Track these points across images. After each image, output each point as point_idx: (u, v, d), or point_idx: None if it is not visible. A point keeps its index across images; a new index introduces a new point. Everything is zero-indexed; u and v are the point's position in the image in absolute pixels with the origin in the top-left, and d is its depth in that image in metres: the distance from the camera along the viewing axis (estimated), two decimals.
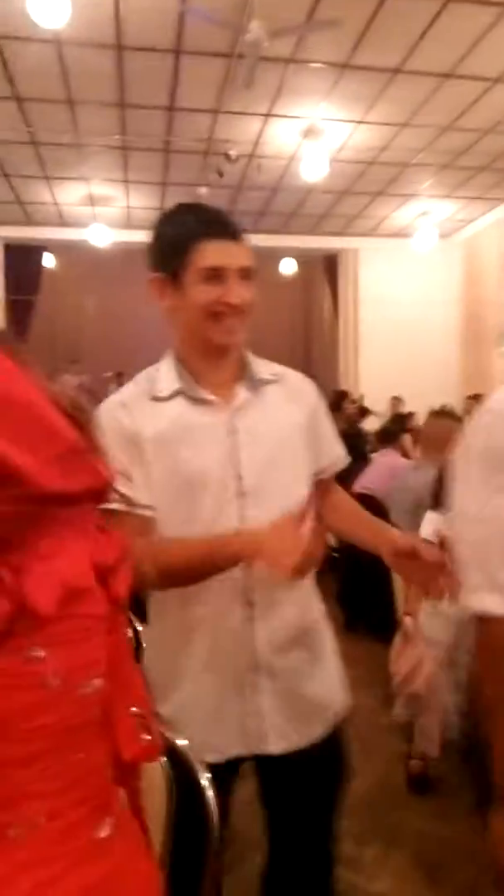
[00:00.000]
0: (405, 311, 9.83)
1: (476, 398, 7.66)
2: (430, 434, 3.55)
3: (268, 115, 6.19)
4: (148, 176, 7.61)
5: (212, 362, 1.24)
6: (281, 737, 1.23)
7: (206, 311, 1.17)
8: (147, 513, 1.16)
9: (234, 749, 1.22)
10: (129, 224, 9.08)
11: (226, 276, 1.17)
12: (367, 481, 4.09)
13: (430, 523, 2.23)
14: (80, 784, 0.62)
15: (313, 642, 1.30)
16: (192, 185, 7.68)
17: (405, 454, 4.66)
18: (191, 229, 1.19)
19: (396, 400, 8.69)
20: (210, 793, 0.97)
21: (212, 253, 1.16)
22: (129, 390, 1.25)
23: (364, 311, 10.12)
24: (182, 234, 1.19)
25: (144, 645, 1.36)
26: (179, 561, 1.13)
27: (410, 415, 6.91)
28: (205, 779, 0.97)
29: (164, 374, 1.24)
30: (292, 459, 1.27)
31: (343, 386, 10.43)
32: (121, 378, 10.08)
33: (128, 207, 8.63)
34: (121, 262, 10.20)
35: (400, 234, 9.65)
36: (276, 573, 1.07)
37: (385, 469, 4.10)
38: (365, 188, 8.11)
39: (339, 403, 7.53)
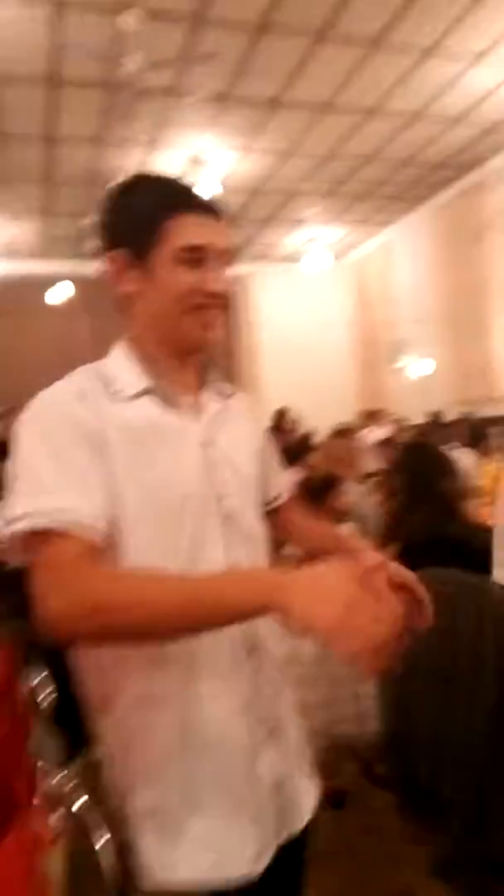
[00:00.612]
0: (302, 333, 10.03)
1: (371, 414, 7.92)
2: (332, 453, 3.60)
3: (151, 145, 6.14)
4: (27, 206, 7.35)
5: (180, 360, 1.01)
6: (307, 799, 1.04)
7: (183, 301, 0.95)
8: (96, 535, 0.84)
9: (270, 840, 0.96)
10: (12, 255, 8.73)
11: (207, 259, 0.95)
12: None
13: None
14: None
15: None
16: (77, 215, 7.49)
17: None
18: (166, 199, 0.96)
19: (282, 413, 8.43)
20: None
21: (192, 229, 0.94)
22: (82, 382, 0.96)
23: (261, 334, 10.24)
24: (155, 204, 0.95)
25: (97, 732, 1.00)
26: (159, 600, 0.76)
27: (309, 434, 7.00)
28: None
29: (122, 371, 0.98)
30: (255, 484, 1.08)
31: None
32: (14, 412, 9.60)
33: (10, 240, 8.30)
34: (6, 295, 9.82)
35: (291, 258, 9.86)
36: (342, 655, 0.68)
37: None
38: (253, 216, 8.23)
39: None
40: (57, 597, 0.77)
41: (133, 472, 0.90)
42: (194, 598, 0.76)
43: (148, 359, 1.00)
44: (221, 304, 0.98)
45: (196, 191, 0.99)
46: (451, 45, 4.92)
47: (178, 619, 0.77)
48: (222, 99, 5.40)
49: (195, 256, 0.95)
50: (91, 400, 0.93)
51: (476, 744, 1.53)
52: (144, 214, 0.95)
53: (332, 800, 2.31)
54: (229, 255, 1.00)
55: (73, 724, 1.09)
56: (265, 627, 0.97)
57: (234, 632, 0.91)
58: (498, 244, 7.27)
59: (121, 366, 1.00)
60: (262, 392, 10.16)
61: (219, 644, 0.92)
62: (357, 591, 0.69)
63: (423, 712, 1.65)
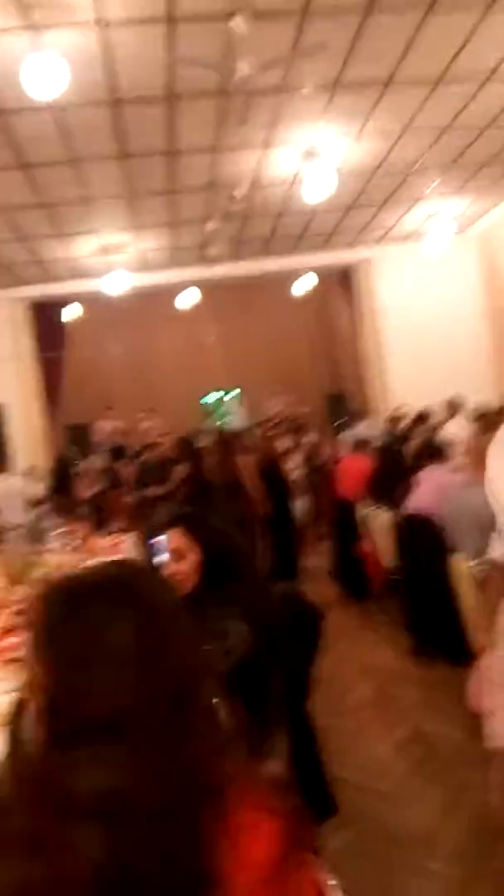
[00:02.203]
0: (427, 314, 9.74)
1: None
2: (481, 448, 3.43)
3: (266, 145, 6.27)
4: (156, 218, 7.77)
5: None
6: None
7: None
8: None
9: None
10: (144, 267, 9.27)
11: None
12: (417, 503, 3.88)
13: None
14: None
15: None
16: (200, 222, 7.82)
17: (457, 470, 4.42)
18: None
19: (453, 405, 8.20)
20: None
21: None
22: None
23: (385, 321, 10.07)
24: None
25: None
26: None
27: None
28: None
29: None
30: None
31: (372, 399, 10.37)
32: (152, 413, 10.22)
33: (141, 251, 8.81)
34: (139, 304, 10.45)
35: (411, 237, 9.61)
36: None
37: (435, 488, 3.83)
38: (370, 199, 8.12)
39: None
40: None
41: None
42: None
43: None
44: None
45: None
46: None
47: None
48: (333, 87, 5.41)
49: None
50: None
51: None
52: None
53: None
54: None
55: None
56: None
57: None
58: None
59: None
60: (389, 383, 10.01)
61: None
62: None
63: None
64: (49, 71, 4.19)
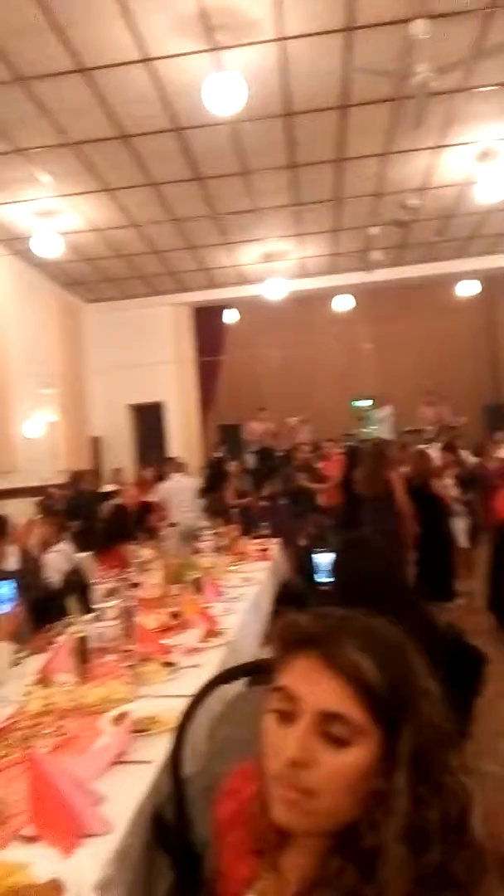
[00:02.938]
0: None
1: None
2: None
3: (438, 147, 6.05)
4: (319, 226, 7.79)
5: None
6: None
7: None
8: None
9: None
10: (303, 273, 9.36)
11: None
12: None
13: None
14: None
15: None
16: (362, 228, 7.73)
17: None
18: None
19: None
20: None
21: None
22: None
23: None
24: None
25: None
26: None
27: None
28: None
29: None
30: None
31: None
32: (305, 422, 10.31)
33: (301, 258, 8.89)
34: (295, 309, 10.56)
35: None
36: None
37: None
38: None
39: None
40: None
41: None
42: None
43: None
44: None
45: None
46: None
47: None
48: None
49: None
50: None
51: None
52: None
53: None
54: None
55: None
56: None
57: None
58: None
59: None
60: None
61: None
62: None
63: None
64: (228, 88, 4.34)
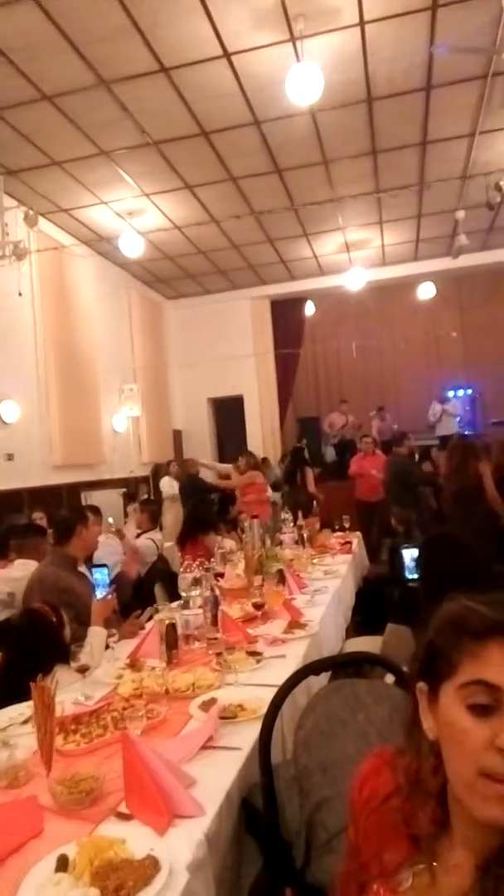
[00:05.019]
0: None
1: None
2: None
3: None
4: (402, 212, 7.60)
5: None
6: None
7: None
8: None
9: None
10: (384, 262, 9.16)
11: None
12: None
13: None
14: None
15: None
16: (448, 212, 7.47)
17: None
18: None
19: None
20: None
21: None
22: None
23: None
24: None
25: None
26: None
27: None
28: None
29: None
30: None
31: None
32: (382, 412, 10.13)
33: (383, 246, 8.71)
34: (375, 299, 10.35)
35: None
36: None
37: None
38: None
39: None
40: None
41: None
42: None
43: None
44: None
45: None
46: None
47: None
48: None
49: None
50: None
51: None
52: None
53: None
54: None
55: None
56: None
57: None
58: None
59: None
60: None
61: None
62: None
63: None
64: (309, 77, 4.29)
